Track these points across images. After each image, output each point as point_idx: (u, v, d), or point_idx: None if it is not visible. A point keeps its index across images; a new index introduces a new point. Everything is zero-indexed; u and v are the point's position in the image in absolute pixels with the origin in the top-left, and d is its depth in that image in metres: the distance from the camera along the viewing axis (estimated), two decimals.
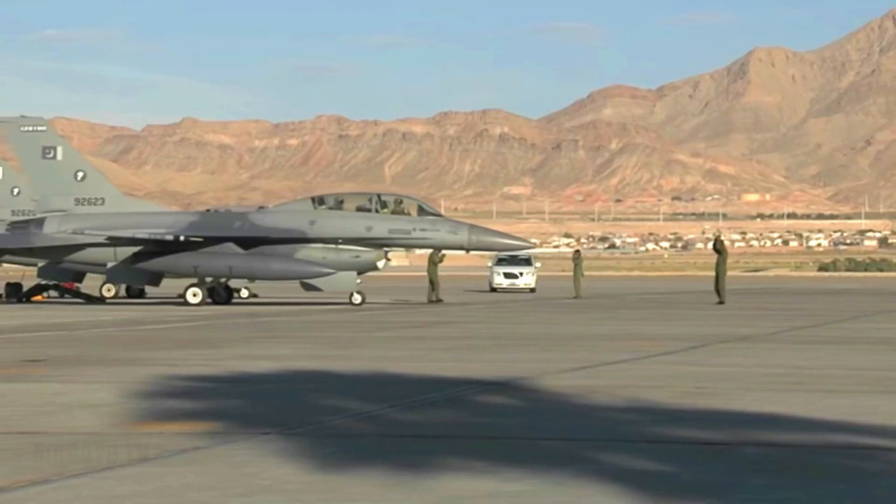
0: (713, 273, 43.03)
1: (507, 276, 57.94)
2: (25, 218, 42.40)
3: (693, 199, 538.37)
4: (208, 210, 48.44)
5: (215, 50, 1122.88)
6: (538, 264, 62.11)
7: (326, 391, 12.60)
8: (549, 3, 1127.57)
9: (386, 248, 40.00)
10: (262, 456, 8.09)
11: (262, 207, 47.48)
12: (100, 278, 47.95)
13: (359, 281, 39.04)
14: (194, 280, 39.74)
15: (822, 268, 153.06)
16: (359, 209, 39.36)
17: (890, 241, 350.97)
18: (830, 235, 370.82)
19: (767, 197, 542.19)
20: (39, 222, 40.35)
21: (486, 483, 7.12)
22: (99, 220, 39.52)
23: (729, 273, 42.45)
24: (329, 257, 38.74)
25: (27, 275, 49.09)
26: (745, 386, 12.83)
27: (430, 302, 42.69)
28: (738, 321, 28.59)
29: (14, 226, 41.75)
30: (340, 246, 38.92)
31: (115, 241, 38.88)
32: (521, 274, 57.88)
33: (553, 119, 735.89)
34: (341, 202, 39.79)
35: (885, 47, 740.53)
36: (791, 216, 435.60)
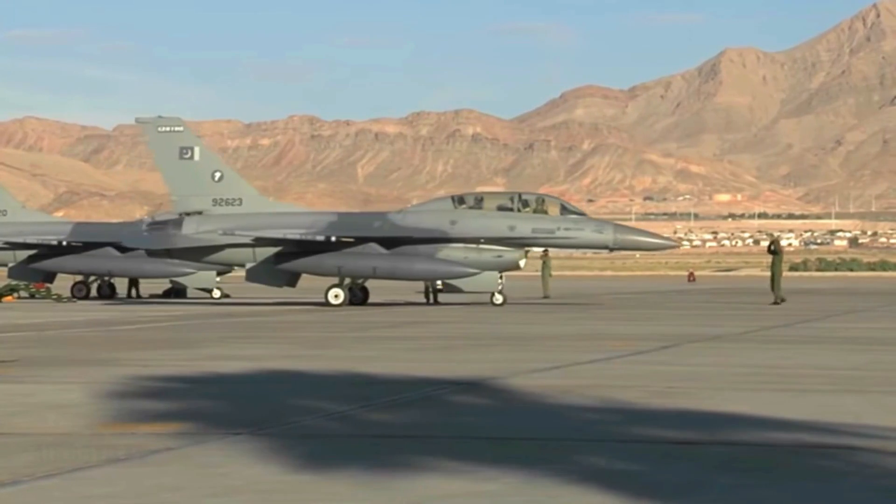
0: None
1: None
2: (164, 219, 42.18)
3: (665, 200, 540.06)
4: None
5: (187, 49, 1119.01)
6: None
7: (299, 391, 12.59)
8: (520, 3, 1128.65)
9: (527, 248, 39.56)
10: (234, 456, 8.08)
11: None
12: (70, 278, 47.80)
13: (501, 280, 38.50)
14: (335, 281, 39.27)
15: (793, 268, 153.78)
16: (500, 208, 38.94)
17: (860, 241, 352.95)
18: (801, 235, 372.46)
19: (738, 197, 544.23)
20: (178, 223, 40.08)
21: (458, 483, 7.13)
22: (238, 221, 39.15)
23: (698, 273, 42.67)
24: (471, 257, 38.27)
25: None
26: (715, 385, 12.89)
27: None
28: (710, 321, 28.69)
29: (153, 226, 41.55)
30: (482, 246, 38.45)
31: (259, 242, 38.60)
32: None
33: (525, 119, 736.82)
34: (481, 201, 39.51)
35: (856, 48, 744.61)
36: (762, 216, 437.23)
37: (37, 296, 44.82)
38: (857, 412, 10.56)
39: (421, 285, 43.07)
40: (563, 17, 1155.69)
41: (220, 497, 6.75)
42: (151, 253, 42.00)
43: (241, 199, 40.26)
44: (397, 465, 7.67)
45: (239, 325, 27.11)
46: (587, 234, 38.31)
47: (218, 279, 45.99)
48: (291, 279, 40.34)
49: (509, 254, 38.46)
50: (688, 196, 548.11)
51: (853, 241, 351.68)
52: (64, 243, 46.23)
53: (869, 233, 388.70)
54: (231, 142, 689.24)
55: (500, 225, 38.38)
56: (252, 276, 40.09)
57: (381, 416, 10.43)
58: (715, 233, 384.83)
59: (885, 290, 64.06)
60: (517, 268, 39.53)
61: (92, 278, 47.39)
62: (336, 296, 38.71)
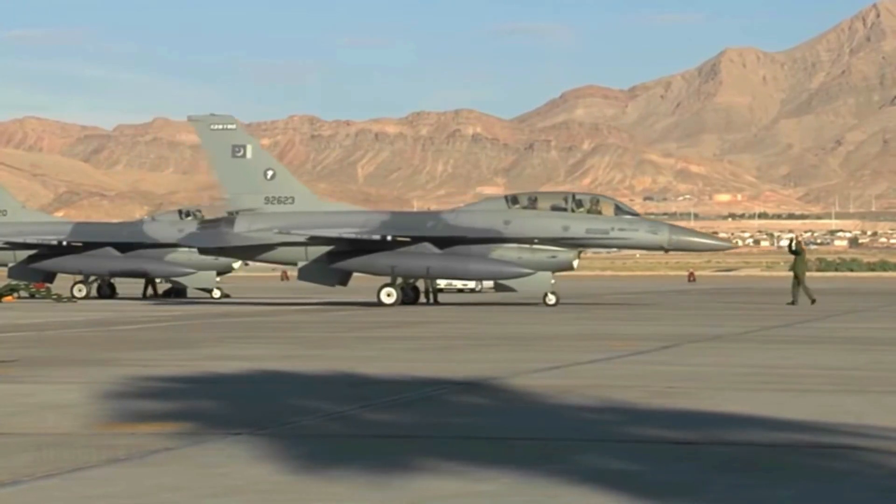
0: (686, 273, 43.16)
1: None
2: (215, 217, 42.09)
3: (665, 199, 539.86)
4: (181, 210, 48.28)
5: (187, 49, 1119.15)
6: None
7: (299, 391, 12.58)
8: (521, 3, 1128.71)
9: (580, 249, 39.32)
10: (234, 456, 8.07)
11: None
12: (70, 278, 47.79)
13: (553, 281, 38.18)
14: (387, 280, 39.09)
15: (792, 267, 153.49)
16: (554, 208, 38.65)
17: (860, 241, 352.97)
18: (801, 235, 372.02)
19: (739, 197, 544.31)
20: (230, 221, 39.95)
21: (457, 483, 7.13)
22: (291, 219, 39.00)
23: (698, 273, 42.65)
24: (524, 257, 37.99)
25: None
26: (715, 386, 12.89)
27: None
28: (710, 321, 28.68)
29: (205, 225, 41.51)
30: (536, 246, 38.17)
31: (313, 241, 38.45)
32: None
33: (525, 119, 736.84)
34: (535, 201, 39.21)
35: (856, 48, 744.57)
36: (762, 216, 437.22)
37: (37, 296, 44.79)
38: (857, 412, 10.56)
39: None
40: (563, 17, 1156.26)
41: (220, 497, 6.74)
42: (203, 251, 41.99)
43: (293, 198, 40.05)
44: (397, 465, 7.66)
45: (239, 325, 27.11)
46: (641, 234, 37.95)
47: (218, 279, 45.99)
48: (343, 278, 40.24)
49: (563, 254, 38.07)
50: (688, 196, 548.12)
51: (853, 241, 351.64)
52: (64, 243, 46.22)
53: (869, 233, 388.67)
54: None
55: (554, 225, 38.05)
56: (304, 274, 39.91)
57: (381, 416, 10.43)
58: (715, 233, 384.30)
59: (885, 290, 64.07)
60: (571, 268, 39.15)
61: (92, 278, 47.38)
62: (388, 294, 38.54)
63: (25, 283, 46.11)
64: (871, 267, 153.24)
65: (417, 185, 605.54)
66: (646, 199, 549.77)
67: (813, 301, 40.04)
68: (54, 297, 43.90)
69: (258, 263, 42.72)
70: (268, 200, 39.87)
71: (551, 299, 37.94)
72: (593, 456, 8.13)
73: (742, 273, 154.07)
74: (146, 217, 53.42)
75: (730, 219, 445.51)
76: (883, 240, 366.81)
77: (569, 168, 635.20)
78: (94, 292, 47.21)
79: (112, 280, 47.92)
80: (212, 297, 45.56)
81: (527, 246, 38.15)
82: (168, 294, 48.07)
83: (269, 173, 40.28)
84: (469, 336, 22.54)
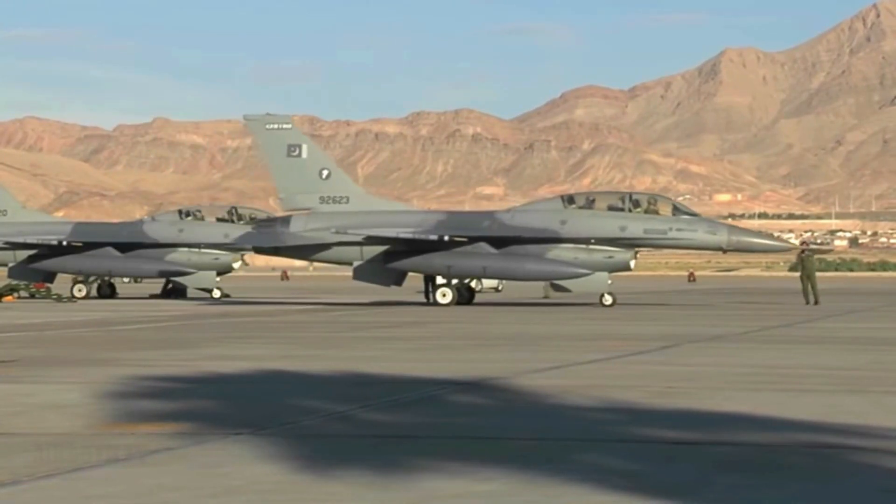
0: (686, 273, 43.21)
1: None
2: (271, 216, 41.85)
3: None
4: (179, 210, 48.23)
5: (187, 49, 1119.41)
6: None
7: (299, 391, 12.59)
8: (520, 3, 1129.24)
9: (637, 249, 38.95)
10: (235, 456, 8.07)
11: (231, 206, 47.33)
12: (70, 278, 47.78)
13: (610, 282, 37.86)
14: (443, 280, 38.87)
15: (793, 268, 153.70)
16: (610, 208, 38.45)
17: (860, 241, 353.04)
18: (801, 235, 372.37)
19: (739, 197, 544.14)
20: (285, 221, 39.95)
21: (459, 483, 7.13)
22: (346, 219, 38.90)
23: (698, 273, 42.55)
24: (581, 257, 37.76)
25: None
26: (716, 385, 12.89)
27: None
28: (710, 321, 28.68)
29: (260, 224, 41.46)
30: (592, 246, 37.92)
31: (369, 240, 38.36)
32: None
33: (525, 119, 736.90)
34: (592, 201, 39.07)
35: (856, 48, 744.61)
36: (762, 216, 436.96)
37: (37, 296, 44.79)
38: (857, 412, 10.56)
39: (420, 285, 42.98)
40: (563, 17, 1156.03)
41: (220, 497, 6.74)
42: (258, 251, 41.91)
43: (347, 198, 39.95)
44: (397, 465, 7.66)
45: (239, 325, 27.11)
46: (700, 235, 37.67)
47: (218, 279, 45.99)
48: (398, 278, 40.21)
49: (620, 254, 37.76)
50: (688, 196, 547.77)
51: (853, 241, 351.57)
52: (64, 243, 46.22)
53: (869, 233, 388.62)
54: (231, 142, 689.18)
55: (611, 225, 37.82)
56: (359, 274, 39.86)
57: (381, 416, 10.43)
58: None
59: (885, 290, 64.06)
60: (628, 269, 38.84)
61: (92, 278, 47.38)
62: (444, 295, 38.42)
63: (25, 283, 46.11)
64: (871, 267, 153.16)
65: (417, 186, 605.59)
66: None
67: (808, 302, 40.09)
68: (54, 297, 43.90)
69: (315, 263, 42.29)
70: (323, 200, 39.78)
71: (608, 300, 37.58)
72: (593, 456, 8.13)
73: (742, 273, 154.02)
74: (146, 217, 53.36)
75: (730, 219, 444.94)
76: (883, 240, 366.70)
77: (569, 168, 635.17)
78: (94, 292, 47.21)
79: (112, 280, 47.91)
80: (212, 297, 45.56)
81: (583, 246, 37.88)
82: (168, 294, 48.07)
83: (325, 173, 40.17)
84: (469, 336, 22.54)
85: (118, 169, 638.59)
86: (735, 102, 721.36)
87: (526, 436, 9.17)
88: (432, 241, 37.95)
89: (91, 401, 11.34)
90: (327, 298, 45.93)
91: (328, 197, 39.80)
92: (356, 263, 39.27)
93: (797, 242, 44.03)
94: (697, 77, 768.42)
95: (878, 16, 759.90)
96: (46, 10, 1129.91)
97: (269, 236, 40.23)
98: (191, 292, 47.30)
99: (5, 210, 48.29)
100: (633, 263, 38.46)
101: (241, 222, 45.68)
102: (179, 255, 45.62)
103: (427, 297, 42.38)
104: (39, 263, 46.73)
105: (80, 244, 46.39)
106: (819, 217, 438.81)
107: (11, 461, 7.91)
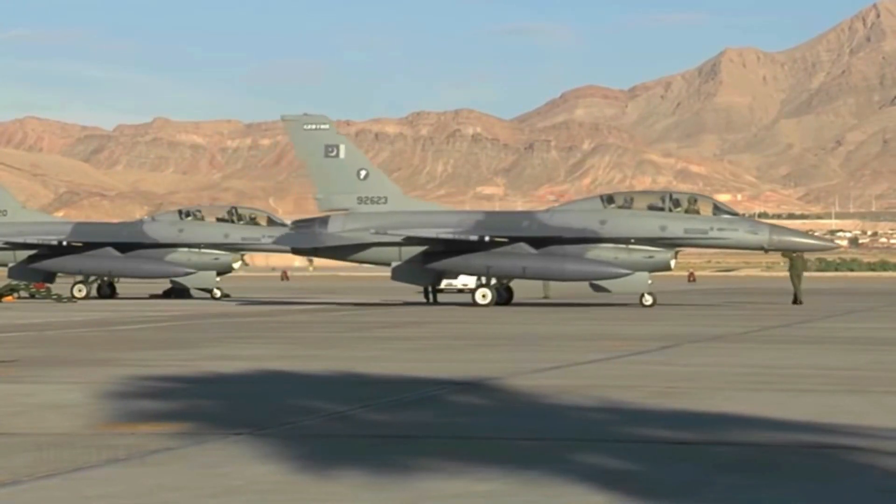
0: (686, 273, 43.01)
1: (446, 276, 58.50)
2: (308, 217, 41.86)
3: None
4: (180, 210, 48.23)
5: (187, 49, 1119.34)
6: None
7: (299, 392, 12.59)
8: (520, 3, 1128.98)
9: (678, 249, 38.77)
10: (235, 457, 8.08)
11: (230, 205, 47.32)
12: (70, 278, 47.78)
13: (650, 282, 37.75)
14: (482, 281, 38.75)
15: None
16: (650, 208, 38.27)
17: (860, 241, 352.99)
18: None
19: (739, 197, 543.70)
20: (324, 221, 39.82)
21: (458, 483, 7.13)
22: (384, 220, 38.81)
23: (698, 273, 42.45)
24: (621, 257, 37.56)
25: None
26: (715, 386, 12.89)
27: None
28: (710, 321, 28.68)
29: (299, 225, 41.34)
30: (632, 246, 37.71)
31: (409, 241, 38.25)
32: (459, 275, 58.42)
33: (525, 119, 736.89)
34: (632, 201, 38.97)
35: (856, 48, 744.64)
36: (762, 216, 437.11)
37: (37, 296, 44.79)
38: (857, 412, 10.56)
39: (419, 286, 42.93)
40: (563, 17, 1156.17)
41: (220, 497, 6.75)
42: (297, 251, 41.82)
43: (386, 198, 39.86)
44: (397, 465, 7.67)
45: (239, 325, 27.11)
46: (741, 234, 37.43)
47: (218, 279, 45.98)
48: (437, 278, 40.18)
49: (660, 254, 37.57)
50: None
51: (853, 241, 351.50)
52: (64, 243, 46.23)
53: (869, 233, 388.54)
54: (231, 142, 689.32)
55: (651, 225, 37.61)
56: (398, 274, 39.78)
57: (381, 416, 10.44)
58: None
59: (885, 290, 64.06)
60: (668, 269, 38.73)
61: (92, 278, 47.38)
62: (483, 295, 38.26)
63: (25, 283, 46.11)
64: (871, 267, 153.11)
65: (417, 186, 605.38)
66: None
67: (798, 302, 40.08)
68: (54, 297, 43.90)
69: (346, 262, 42.10)
70: (361, 200, 39.66)
71: (648, 300, 37.47)
72: (593, 456, 8.13)
73: (742, 273, 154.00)
74: (146, 217, 53.34)
75: None
76: (883, 240, 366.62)
77: (569, 168, 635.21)
78: (94, 292, 47.21)
79: (112, 280, 47.91)
80: (212, 297, 45.55)
81: (623, 246, 37.68)
82: (168, 294, 48.06)
83: (363, 173, 40.04)
84: (469, 336, 22.54)
85: (118, 169, 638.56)
86: (735, 102, 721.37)
87: (525, 436, 9.17)
88: (471, 242, 37.76)
89: (91, 401, 11.34)
90: (327, 298, 45.93)
91: (366, 197, 39.68)
92: (394, 264, 39.17)
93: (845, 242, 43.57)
94: (697, 77, 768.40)
95: (878, 16, 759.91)
96: (46, 10, 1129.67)
97: (307, 237, 40.12)
98: (192, 292, 47.27)
99: (5, 210, 48.30)
100: (673, 263, 38.32)
101: (241, 222, 45.69)
102: (179, 255, 45.62)
103: (427, 297, 42.35)
104: (39, 263, 46.73)
105: (80, 244, 46.39)
106: (819, 217, 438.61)
107: (11, 461, 7.91)
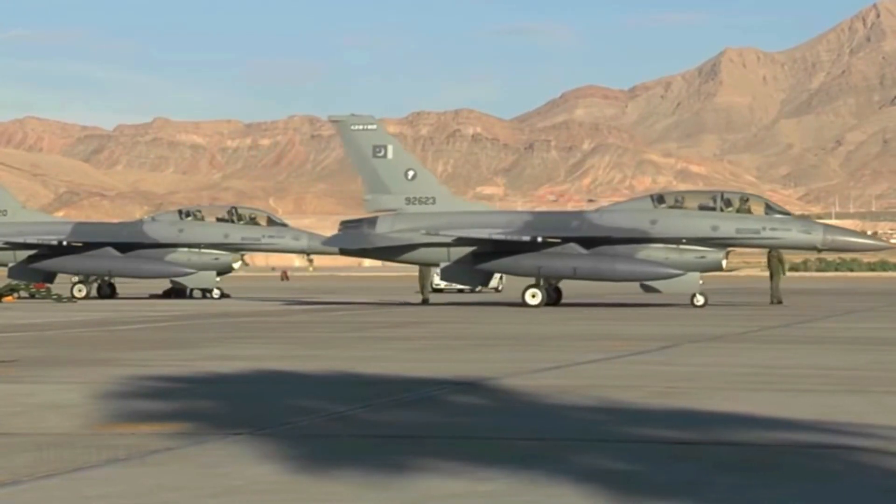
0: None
1: None
2: (356, 218, 41.76)
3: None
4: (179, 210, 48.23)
5: (187, 49, 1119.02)
6: None
7: (299, 392, 12.59)
8: (520, 3, 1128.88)
9: (730, 248, 38.40)
10: (234, 457, 8.08)
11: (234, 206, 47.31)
12: (70, 278, 47.77)
13: (701, 282, 37.43)
14: (531, 281, 38.50)
15: (793, 268, 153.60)
16: (701, 207, 37.96)
17: None
18: None
19: None
20: (372, 222, 39.72)
21: (458, 483, 7.13)
22: (433, 220, 38.70)
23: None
24: (672, 257, 37.31)
25: None
26: (715, 386, 12.89)
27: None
28: (710, 321, 28.68)
29: (347, 225, 41.21)
30: (683, 246, 37.42)
31: (460, 242, 38.04)
32: None
33: (525, 119, 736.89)
34: (682, 200, 38.70)
35: (856, 48, 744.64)
36: None
37: (37, 296, 44.80)
38: (857, 412, 10.56)
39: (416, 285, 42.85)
40: (563, 17, 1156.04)
41: (220, 497, 6.75)
42: (344, 252, 41.80)
43: (434, 198, 39.77)
44: (397, 465, 7.67)
45: (238, 325, 27.11)
46: (794, 234, 37.05)
47: (218, 279, 45.98)
48: (486, 279, 40.14)
49: (712, 254, 37.26)
50: None
51: None
52: (64, 243, 46.23)
53: (869, 233, 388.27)
54: (231, 142, 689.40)
55: (702, 224, 37.31)
56: (446, 275, 39.86)
57: (381, 416, 10.43)
58: None
59: (885, 290, 64.03)
60: (720, 269, 38.37)
61: (92, 278, 47.39)
62: (533, 296, 37.93)
63: (25, 283, 46.11)
64: (871, 267, 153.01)
65: None
66: None
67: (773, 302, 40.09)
68: (54, 297, 43.90)
69: (396, 263, 42.03)
70: (409, 201, 39.61)
71: (699, 300, 37.18)
72: (593, 456, 8.13)
73: (742, 273, 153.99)
74: (146, 217, 53.32)
75: None
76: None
77: (569, 168, 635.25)
78: (94, 292, 47.21)
79: (112, 280, 47.92)
80: (212, 297, 45.56)
81: (673, 246, 37.44)
82: (168, 294, 48.06)
83: (411, 173, 39.93)
84: (469, 336, 22.54)
85: (118, 169, 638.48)
86: (735, 102, 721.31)
87: (526, 436, 9.17)
88: (522, 242, 37.60)
89: (91, 401, 11.34)
90: (327, 298, 45.92)
91: (414, 198, 39.62)
92: (443, 264, 39.10)
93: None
94: (697, 77, 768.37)
95: (878, 16, 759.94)
96: (46, 10, 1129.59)
97: (355, 238, 40.00)
98: (196, 292, 47.25)
99: (5, 210, 48.30)
100: (724, 263, 38.04)
101: (241, 222, 45.69)
102: (179, 255, 45.62)
103: (424, 296, 42.34)
104: (39, 263, 46.74)
105: (80, 244, 46.40)
106: (819, 217, 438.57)
107: (11, 461, 7.91)
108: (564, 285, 40.78)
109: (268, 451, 8.25)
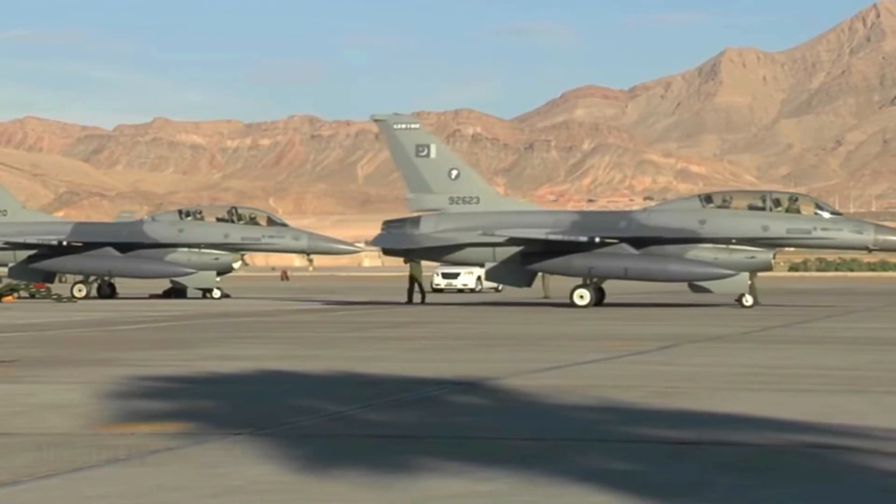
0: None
1: (446, 276, 58.57)
2: (398, 217, 41.64)
3: (665, 200, 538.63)
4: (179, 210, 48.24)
5: (187, 49, 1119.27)
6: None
7: (299, 392, 12.59)
8: (520, 3, 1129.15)
9: (777, 249, 38.37)
10: (235, 457, 8.08)
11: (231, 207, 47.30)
12: (70, 278, 47.79)
13: (750, 282, 37.15)
14: (579, 281, 38.32)
15: (793, 268, 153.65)
16: (750, 207, 37.80)
17: None
18: None
19: None
20: (415, 222, 39.59)
21: (458, 483, 7.13)
22: (477, 220, 38.54)
23: None
24: (721, 258, 37.09)
25: None
26: (715, 386, 12.89)
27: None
28: (710, 321, 28.68)
29: (390, 225, 41.03)
30: (733, 246, 37.18)
31: (511, 242, 37.83)
32: (459, 275, 58.51)
33: (525, 119, 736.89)
34: (731, 200, 38.50)
35: (856, 48, 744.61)
36: None
37: (37, 296, 44.82)
38: (857, 412, 10.56)
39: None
40: (563, 17, 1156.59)
41: (220, 497, 6.75)
42: (388, 252, 41.60)
43: (478, 198, 39.57)
44: (397, 465, 7.67)
45: (238, 325, 27.11)
46: (845, 234, 36.91)
47: (218, 279, 45.98)
48: (531, 279, 39.90)
49: (762, 254, 37.08)
50: None
51: None
52: (64, 243, 46.23)
53: None
54: (231, 142, 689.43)
55: (752, 225, 37.11)
56: (492, 275, 39.63)
57: (381, 416, 10.43)
58: None
59: (885, 290, 64.05)
60: (769, 269, 38.23)
61: (92, 278, 47.39)
62: (581, 296, 37.71)
63: (25, 283, 46.12)
64: (871, 267, 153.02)
65: None
66: (646, 199, 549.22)
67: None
68: (54, 297, 43.91)
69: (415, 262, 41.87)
70: (453, 201, 39.43)
71: (748, 300, 36.96)
72: (593, 456, 8.13)
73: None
74: (146, 217, 53.31)
75: None
76: None
77: (569, 168, 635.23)
78: (94, 292, 47.22)
79: (112, 280, 47.92)
80: (212, 297, 45.56)
81: (723, 246, 37.22)
82: (168, 294, 48.07)
83: (454, 173, 39.78)
84: (469, 336, 22.54)
85: (118, 169, 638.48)
86: (735, 102, 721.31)
87: (526, 436, 9.17)
88: (571, 242, 37.37)
89: (91, 401, 11.34)
90: (327, 298, 45.91)
91: (458, 197, 39.44)
92: (488, 265, 38.93)
93: None
94: (697, 77, 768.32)
95: (878, 16, 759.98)
96: (46, 10, 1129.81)
97: (400, 238, 39.80)
98: (193, 292, 47.28)
99: (5, 210, 48.31)
100: (772, 263, 37.93)
101: (241, 222, 45.68)
102: (179, 255, 45.62)
103: (423, 297, 42.26)
104: (39, 263, 46.74)
105: (80, 244, 46.40)
106: None
107: (11, 461, 7.91)
108: (567, 286, 40.73)
109: (268, 451, 8.25)
